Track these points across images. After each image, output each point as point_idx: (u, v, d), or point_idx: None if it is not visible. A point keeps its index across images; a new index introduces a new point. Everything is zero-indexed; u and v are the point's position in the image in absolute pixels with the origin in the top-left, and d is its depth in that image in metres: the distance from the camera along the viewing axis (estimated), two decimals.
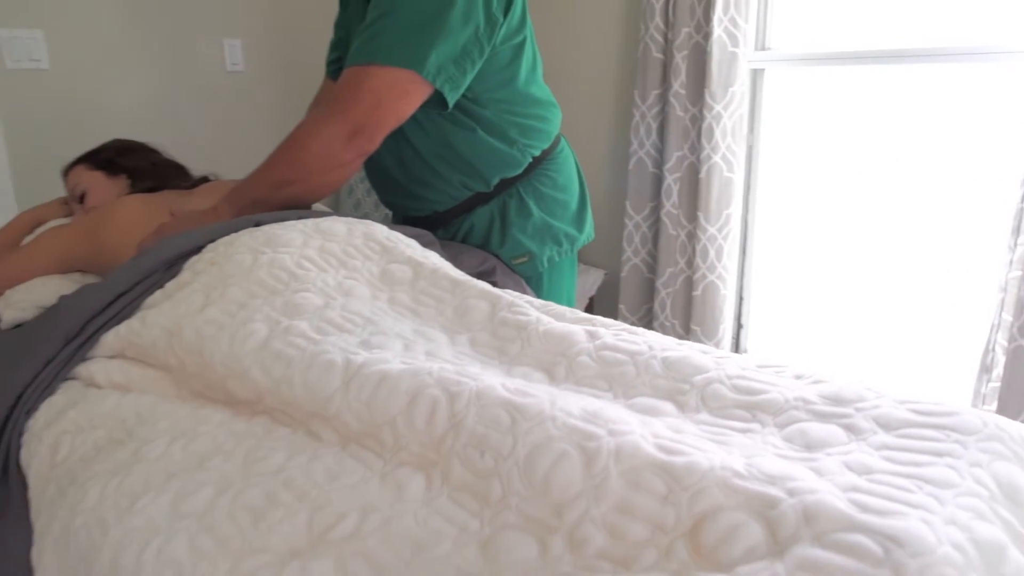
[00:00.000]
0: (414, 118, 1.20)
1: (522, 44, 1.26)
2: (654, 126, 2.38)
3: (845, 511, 0.48)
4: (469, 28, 1.13)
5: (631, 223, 2.49)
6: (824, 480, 0.52)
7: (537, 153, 1.34)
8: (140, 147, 1.49)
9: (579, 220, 1.45)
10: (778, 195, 2.41)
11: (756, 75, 2.33)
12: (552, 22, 2.70)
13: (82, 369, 0.91)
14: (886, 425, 0.59)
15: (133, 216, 1.22)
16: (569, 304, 1.52)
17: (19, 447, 0.86)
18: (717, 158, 2.24)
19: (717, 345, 2.37)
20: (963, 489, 0.51)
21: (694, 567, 0.49)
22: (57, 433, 0.83)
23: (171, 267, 1.00)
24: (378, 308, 0.89)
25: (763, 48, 2.31)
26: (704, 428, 0.64)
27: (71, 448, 0.80)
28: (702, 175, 2.27)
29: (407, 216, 1.43)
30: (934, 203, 2.08)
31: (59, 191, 1.47)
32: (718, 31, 2.16)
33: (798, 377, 0.71)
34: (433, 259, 1.04)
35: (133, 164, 1.43)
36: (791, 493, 0.50)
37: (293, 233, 1.00)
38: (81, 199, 1.37)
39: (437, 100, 1.17)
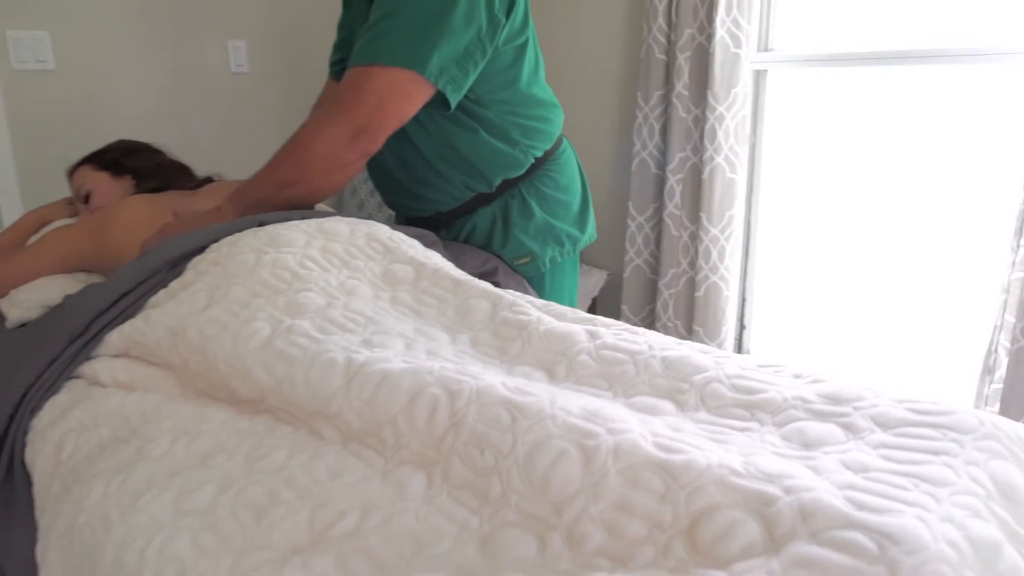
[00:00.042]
0: (416, 119, 1.21)
1: (524, 45, 1.26)
2: (657, 127, 2.39)
3: (841, 509, 0.48)
4: (471, 29, 1.14)
5: (634, 224, 2.50)
6: (821, 478, 0.52)
7: (539, 154, 1.35)
8: (145, 148, 1.50)
9: (581, 221, 1.45)
10: (781, 196, 2.41)
11: (759, 76, 2.33)
12: (555, 23, 2.71)
13: (86, 368, 0.92)
14: (884, 424, 0.60)
15: (137, 216, 1.23)
16: (571, 304, 1.53)
17: (24, 445, 0.87)
18: (720, 159, 2.24)
19: (720, 346, 2.37)
20: (959, 487, 0.51)
21: (691, 564, 0.50)
22: (62, 431, 0.83)
23: (175, 267, 1.01)
24: (380, 308, 0.90)
25: (766, 49, 2.31)
26: (703, 427, 0.64)
27: (75, 446, 0.81)
28: (705, 176, 2.27)
29: (410, 217, 1.44)
30: (937, 204, 2.08)
31: (64, 191, 1.48)
32: (721, 32, 2.16)
33: (797, 376, 0.71)
34: (435, 259, 1.04)
35: (138, 165, 1.44)
36: (788, 491, 0.51)
37: (296, 233, 1.01)
38: (86, 199, 1.38)
39: (439, 101, 1.17)
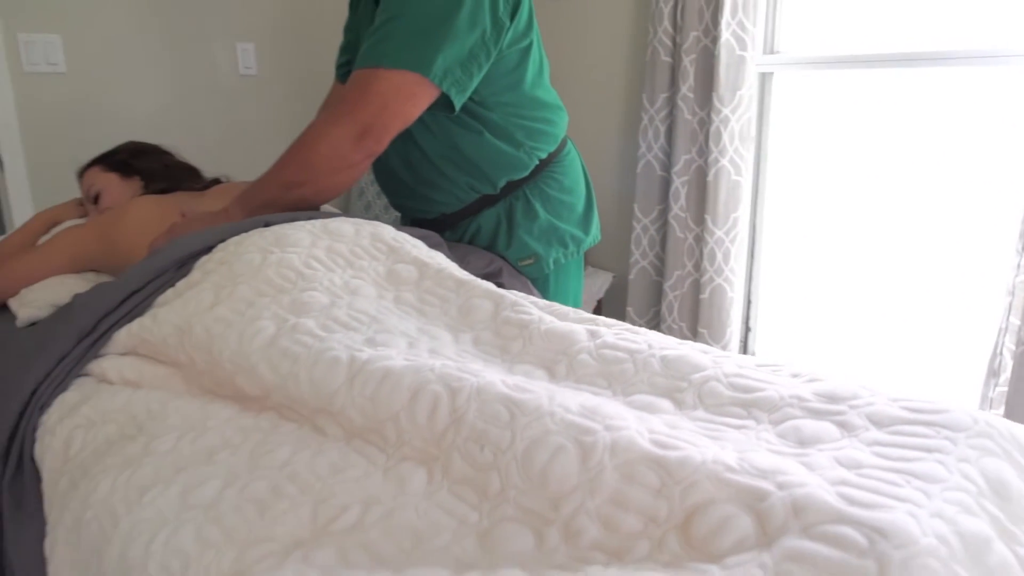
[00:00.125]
0: (421, 121, 1.22)
1: (528, 48, 1.27)
2: (662, 129, 2.39)
3: (833, 504, 0.49)
4: (476, 32, 1.15)
5: (639, 226, 2.50)
6: (814, 474, 0.53)
7: (543, 156, 1.35)
8: (154, 149, 1.52)
9: (585, 222, 1.46)
10: (787, 199, 2.41)
11: (765, 78, 2.34)
12: (561, 26, 2.72)
13: (95, 366, 0.93)
14: (878, 422, 0.60)
15: (146, 217, 1.25)
16: (575, 306, 1.53)
17: (33, 441, 0.88)
18: (725, 161, 2.25)
19: (724, 348, 2.38)
20: (950, 484, 0.52)
21: (685, 558, 0.50)
22: (70, 428, 0.84)
23: (182, 266, 1.02)
24: (383, 307, 0.91)
25: (772, 52, 2.31)
26: (700, 424, 0.65)
27: (83, 442, 0.82)
28: (710, 178, 2.28)
29: (415, 218, 1.45)
30: (942, 206, 2.08)
31: (74, 192, 1.50)
32: (726, 35, 2.17)
33: (795, 376, 0.72)
34: (439, 259, 1.05)
35: (147, 166, 1.45)
36: (781, 487, 0.51)
37: (301, 233, 1.02)
38: (96, 200, 1.40)
39: (444, 103, 1.18)
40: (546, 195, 1.38)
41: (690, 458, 0.55)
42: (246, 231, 1.05)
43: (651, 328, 2.39)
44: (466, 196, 1.35)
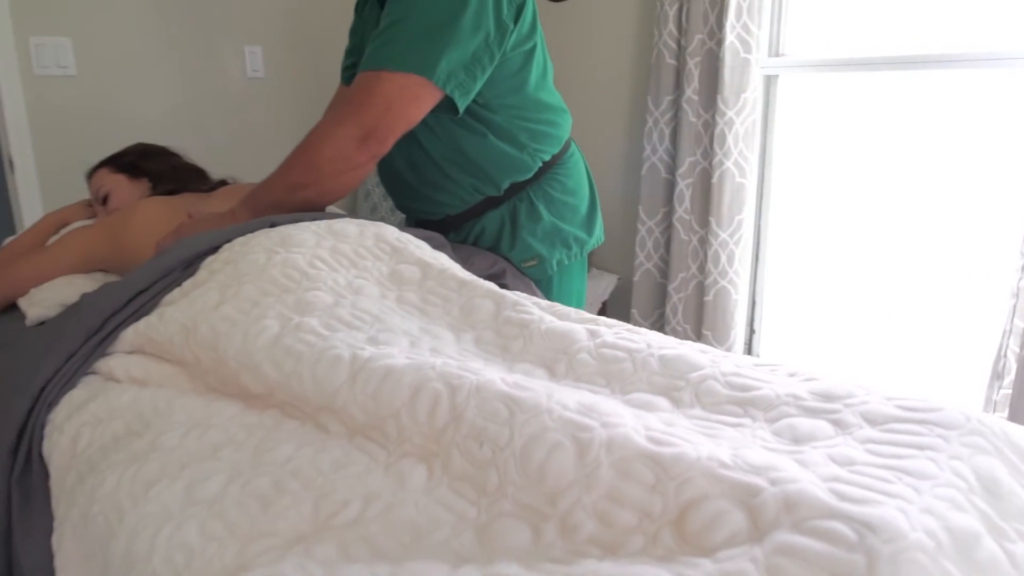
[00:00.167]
0: (425, 123, 1.23)
1: (532, 50, 1.28)
2: (667, 132, 2.40)
3: (824, 499, 0.50)
4: (479, 35, 1.16)
5: (644, 228, 2.51)
6: (807, 471, 0.54)
7: (547, 158, 1.36)
8: (161, 151, 1.53)
9: (589, 224, 1.47)
10: (792, 201, 2.42)
11: (770, 81, 2.34)
12: (567, 29, 2.73)
13: (102, 364, 0.94)
14: (872, 420, 0.61)
15: (153, 218, 1.26)
16: (579, 307, 1.54)
17: (41, 439, 0.89)
18: (729, 164, 2.25)
19: (728, 350, 2.38)
20: (941, 481, 0.52)
21: (679, 552, 0.51)
22: (78, 425, 0.86)
23: (189, 266, 1.03)
24: (386, 307, 0.92)
25: (777, 54, 2.32)
26: (696, 422, 0.66)
27: (91, 439, 0.83)
28: (714, 180, 2.28)
29: (420, 220, 1.46)
30: (947, 209, 2.08)
31: (84, 193, 1.52)
32: (731, 37, 2.17)
33: (791, 375, 0.72)
34: (441, 260, 1.06)
35: (154, 167, 1.47)
36: (773, 482, 0.52)
37: (306, 234, 1.03)
38: (104, 201, 1.42)
39: (448, 105, 1.19)
40: (550, 197, 1.39)
41: (685, 455, 0.56)
42: (252, 232, 1.06)
43: (655, 330, 2.40)
44: (470, 198, 1.36)
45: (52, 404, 0.91)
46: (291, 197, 1.19)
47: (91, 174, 1.47)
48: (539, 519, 0.58)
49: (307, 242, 1.01)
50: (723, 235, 2.30)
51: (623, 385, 0.74)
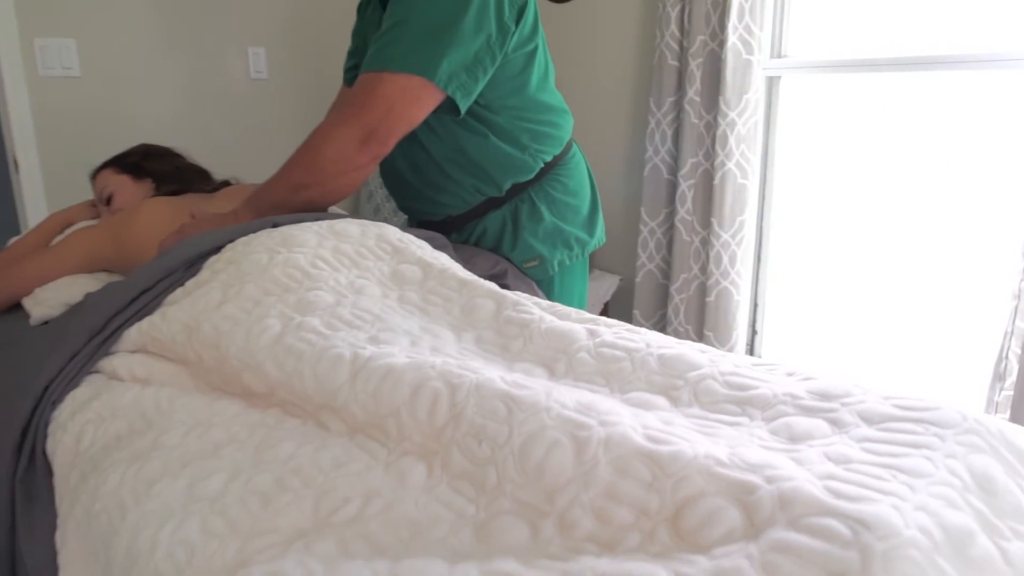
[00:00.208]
0: (427, 124, 1.24)
1: (534, 52, 1.29)
2: (669, 133, 2.41)
3: (819, 497, 0.50)
4: (481, 37, 1.16)
5: (646, 229, 2.51)
6: (803, 469, 0.54)
7: (549, 158, 1.37)
8: (165, 152, 1.54)
9: (590, 224, 1.47)
10: (794, 202, 2.42)
11: (772, 82, 2.34)
12: (569, 30, 2.74)
13: (105, 363, 0.95)
14: (869, 419, 0.61)
15: (156, 218, 1.27)
16: (580, 307, 1.55)
17: (45, 437, 0.90)
18: (731, 165, 2.25)
19: (730, 351, 2.38)
20: (936, 479, 0.53)
21: (675, 549, 0.52)
22: (81, 423, 0.86)
23: (191, 266, 1.04)
24: (387, 306, 0.93)
25: (779, 56, 2.32)
26: (694, 421, 0.66)
27: (94, 437, 0.84)
28: (716, 182, 2.29)
29: (422, 220, 1.46)
30: (949, 210, 2.08)
31: (88, 194, 1.53)
32: (733, 39, 2.18)
33: (790, 374, 0.73)
34: (443, 260, 1.07)
35: (158, 168, 1.48)
36: (769, 480, 0.52)
37: (308, 234, 1.04)
38: (108, 201, 1.42)
39: (449, 106, 1.20)
40: (551, 198, 1.39)
41: (682, 453, 0.56)
42: (254, 232, 1.07)
43: (657, 331, 2.40)
44: (472, 198, 1.37)
45: (56, 402, 0.91)
46: (293, 198, 1.20)
47: (95, 174, 1.48)
48: (537, 516, 0.59)
49: (309, 242, 1.02)
50: (725, 236, 2.31)
51: (622, 384, 0.75)
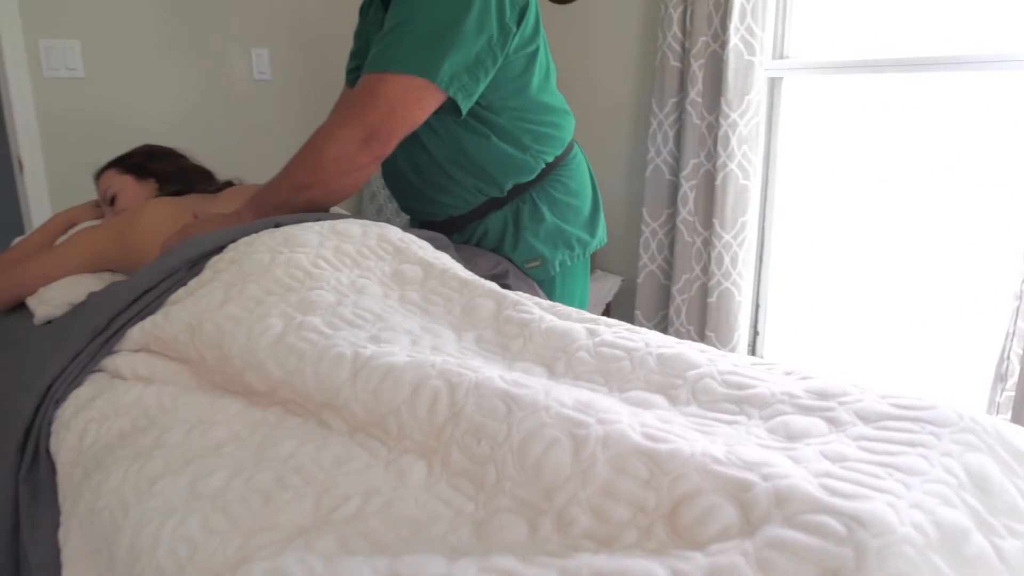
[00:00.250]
0: (429, 125, 1.24)
1: (535, 53, 1.29)
2: (671, 134, 2.41)
3: (815, 494, 0.50)
4: (482, 38, 1.17)
5: (647, 230, 2.52)
6: (799, 467, 0.55)
7: (550, 159, 1.37)
8: (168, 152, 1.55)
9: (592, 225, 1.48)
10: (796, 203, 2.42)
11: (774, 83, 2.35)
12: (571, 32, 2.74)
13: (108, 362, 0.96)
14: (866, 418, 0.62)
15: (159, 218, 1.28)
16: (582, 307, 1.55)
17: (49, 435, 0.90)
18: (733, 166, 2.26)
19: (732, 351, 2.38)
20: (931, 477, 0.53)
21: (671, 546, 0.52)
22: (84, 421, 0.87)
23: (194, 266, 1.05)
24: (388, 306, 0.93)
25: (781, 56, 2.32)
26: (692, 420, 0.66)
27: (97, 435, 0.85)
28: (718, 183, 2.29)
29: (424, 221, 1.47)
30: (951, 211, 2.08)
31: (92, 194, 1.53)
32: (734, 40, 2.18)
33: (788, 374, 0.73)
34: (444, 260, 1.07)
35: (161, 168, 1.49)
36: (765, 478, 0.53)
37: (310, 234, 1.05)
38: (112, 202, 1.43)
39: (451, 107, 1.20)
40: (552, 198, 1.40)
41: (679, 451, 0.57)
42: (257, 232, 1.08)
43: (659, 331, 2.40)
44: (473, 199, 1.37)
45: (59, 401, 0.92)
46: (295, 198, 1.21)
47: (99, 175, 1.48)
48: (535, 514, 0.59)
49: (311, 242, 1.02)
50: (727, 237, 2.31)
51: (621, 383, 0.75)
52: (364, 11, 1.45)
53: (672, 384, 0.73)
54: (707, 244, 2.38)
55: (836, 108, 2.28)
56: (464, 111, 1.21)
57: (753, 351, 2.55)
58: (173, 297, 0.99)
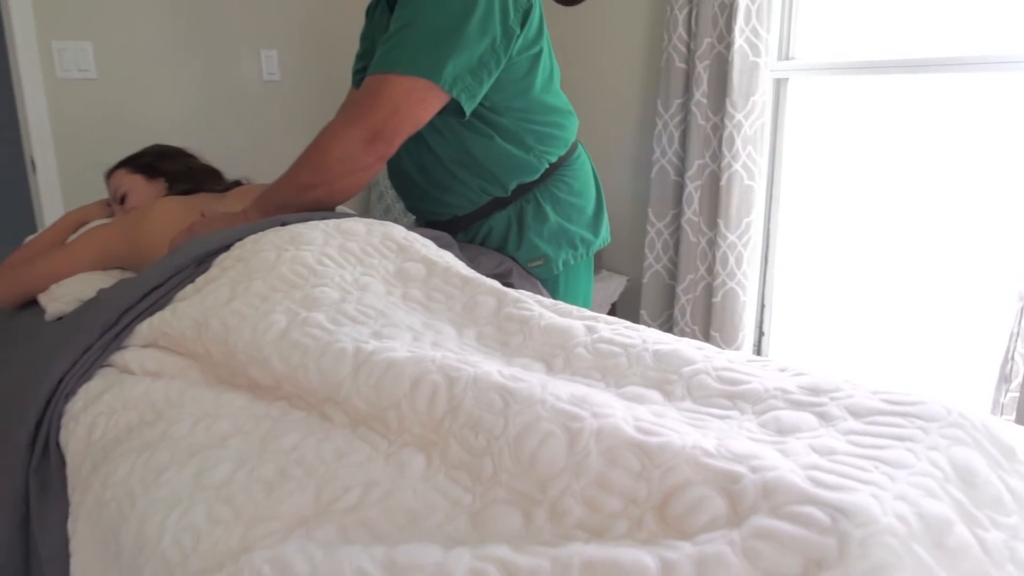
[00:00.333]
0: (433, 125, 1.26)
1: (539, 55, 1.31)
2: (676, 134, 2.42)
3: (801, 486, 0.52)
4: (486, 40, 1.18)
5: (653, 230, 2.53)
6: (788, 460, 0.56)
7: (554, 159, 1.39)
8: (178, 152, 1.57)
9: (595, 224, 1.49)
10: (802, 204, 2.42)
11: (780, 84, 2.35)
12: (578, 33, 2.75)
13: (117, 357, 0.97)
14: (856, 413, 0.63)
15: (168, 217, 1.30)
16: (585, 306, 1.56)
17: (59, 428, 0.92)
18: (737, 166, 2.26)
19: (737, 351, 2.38)
20: (917, 470, 0.54)
21: (661, 536, 0.53)
22: (93, 415, 0.89)
23: (201, 263, 1.07)
24: (391, 303, 0.95)
25: (787, 57, 2.33)
26: (686, 414, 0.68)
27: (105, 428, 0.86)
28: (723, 183, 2.29)
29: (429, 220, 1.49)
30: (955, 211, 2.08)
31: (103, 193, 1.56)
32: (739, 41, 2.19)
33: (782, 370, 0.74)
34: (447, 258, 1.08)
35: (171, 168, 1.51)
36: (754, 470, 0.54)
37: (315, 232, 1.06)
38: (122, 200, 1.45)
39: (455, 108, 1.22)
40: (556, 198, 1.41)
41: (670, 443, 0.58)
42: (263, 230, 1.09)
43: (664, 331, 2.41)
44: (477, 199, 1.39)
45: (69, 395, 0.94)
46: (301, 197, 1.22)
47: (109, 174, 1.51)
48: (530, 505, 0.61)
49: (316, 240, 1.04)
50: (731, 237, 2.32)
51: (617, 379, 0.77)
52: (370, 13, 1.46)
53: (668, 380, 0.74)
54: (712, 244, 2.39)
55: (841, 109, 2.28)
56: (468, 112, 1.22)
57: (758, 351, 2.55)
58: (181, 294, 1.01)
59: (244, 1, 2.61)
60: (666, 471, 0.57)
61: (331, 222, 1.11)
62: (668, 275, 2.56)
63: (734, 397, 0.69)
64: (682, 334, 2.46)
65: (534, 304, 0.94)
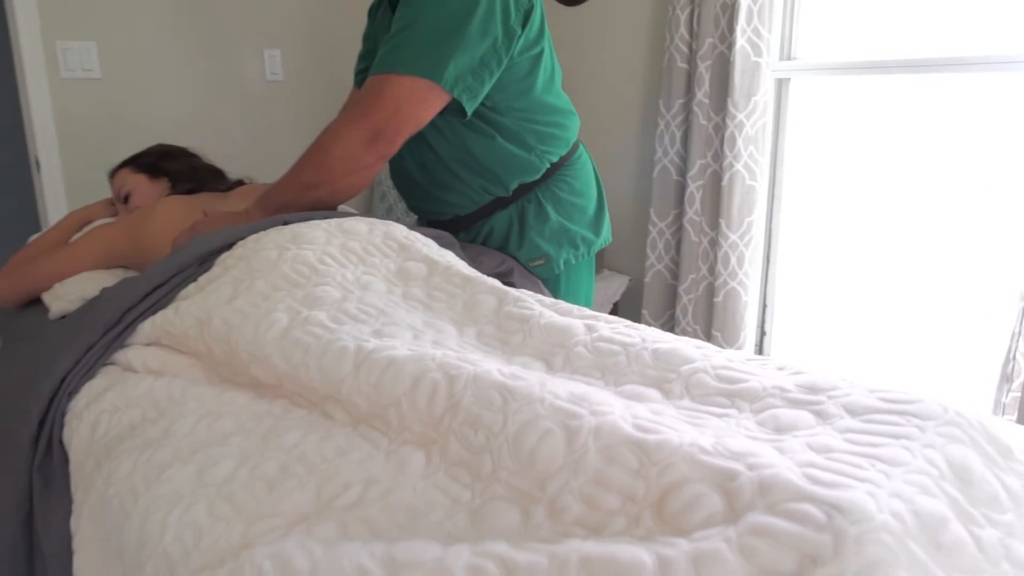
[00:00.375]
0: (435, 125, 1.26)
1: (540, 55, 1.31)
2: (678, 134, 2.42)
3: (797, 483, 0.52)
4: (487, 40, 1.19)
5: (655, 230, 2.53)
6: (784, 457, 0.56)
7: (555, 159, 1.39)
8: (181, 152, 1.58)
9: (596, 224, 1.49)
10: (803, 204, 2.42)
11: (781, 84, 2.35)
12: (580, 33, 2.76)
13: (120, 355, 0.98)
14: (853, 411, 0.63)
15: (171, 216, 1.30)
16: (586, 306, 1.56)
17: (62, 426, 0.93)
18: (739, 166, 2.27)
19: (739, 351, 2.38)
20: (913, 467, 0.54)
21: (658, 533, 0.54)
22: (96, 413, 0.89)
23: (204, 262, 1.07)
24: (392, 301, 0.95)
25: (789, 58, 2.33)
26: (684, 412, 0.68)
27: (108, 426, 0.87)
28: (724, 183, 2.30)
29: (431, 220, 1.49)
30: (957, 211, 2.08)
31: (107, 192, 1.57)
32: (741, 41, 2.19)
33: (780, 369, 0.75)
34: (448, 257, 1.09)
35: (174, 168, 1.51)
36: (750, 467, 0.54)
37: (317, 232, 1.07)
38: (125, 200, 1.46)
39: (456, 108, 1.22)
40: (557, 197, 1.41)
41: (668, 441, 0.58)
42: (265, 229, 1.10)
43: (666, 331, 2.41)
44: (479, 198, 1.39)
45: (73, 393, 0.94)
46: (303, 197, 1.23)
47: (113, 174, 1.52)
48: (529, 502, 0.61)
49: (318, 239, 1.05)
50: (733, 237, 2.32)
51: (617, 377, 0.77)
52: (372, 13, 1.47)
53: (666, 378, 0.74)
54: (713, 244, 2.39)
55: (843, 109, 2.28)
56: (469, 112, 1.23)
57: (760, 351, 2.56)
58: (183, 292, 1.02)
59: (247, 1, 2.62)
60: (663, 468, 0.57)
61: (333, 221, 1.11)
62: (670, 275, 2.56)
63: (732, 395, 0.70)
64: (684, 334, 2.46)
65: (534, 303, 0.94)
